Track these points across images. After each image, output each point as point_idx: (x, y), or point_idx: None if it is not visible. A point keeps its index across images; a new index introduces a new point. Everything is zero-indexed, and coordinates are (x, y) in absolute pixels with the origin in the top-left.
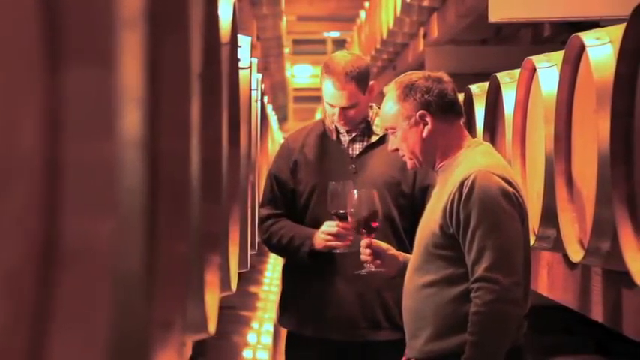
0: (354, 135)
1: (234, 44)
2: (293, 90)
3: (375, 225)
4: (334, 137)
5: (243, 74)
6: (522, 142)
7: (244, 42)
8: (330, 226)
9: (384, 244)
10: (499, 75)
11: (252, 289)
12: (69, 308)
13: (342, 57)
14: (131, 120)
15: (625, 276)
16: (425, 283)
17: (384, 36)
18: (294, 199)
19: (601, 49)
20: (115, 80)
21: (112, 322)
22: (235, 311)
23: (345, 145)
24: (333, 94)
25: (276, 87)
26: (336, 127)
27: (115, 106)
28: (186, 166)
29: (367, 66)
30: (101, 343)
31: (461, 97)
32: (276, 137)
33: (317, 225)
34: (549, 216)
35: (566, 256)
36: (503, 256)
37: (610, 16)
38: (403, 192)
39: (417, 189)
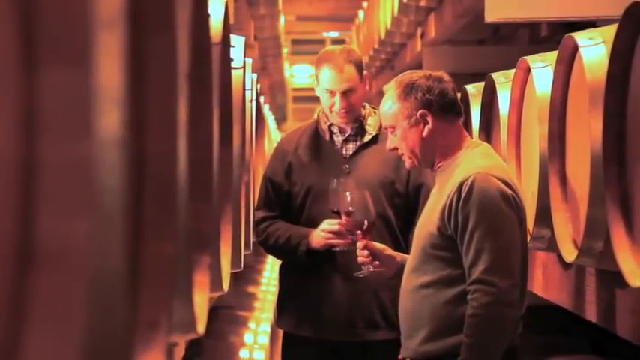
0: (347, 135)
1: (226, 44)
2: (292, 90)
3: (369, 227)
4: (327, 138)
5: (236, 74)
6: (517, 142)
7: (237, 42)
8: (330, 224)
9: (380, 245)
10: (494, 75)
11: (250, 289)
12: (44, 308)
13: (334, 47)
14: (110, 120)
15: (618, 276)
16: (422, 284)
17: (382, 36)
18: (289, 200)
19: (594, 49)
20: (92, 80)
21: (89, 323)
22: (233, 311)
23: (339, 146)
24: (332, 78)
25: (274, 87)
26: (329, 127)
27: (92, 106)
28: (173, 166)
29: (360, 55)
30: (77, 343)
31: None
32: (274, 137)
33: (313, 226)
34: (544, 216)
35: (560, 256)
36: (501, 258)
37: (607, 16)
38: (398, 191)
39: (410, 187)
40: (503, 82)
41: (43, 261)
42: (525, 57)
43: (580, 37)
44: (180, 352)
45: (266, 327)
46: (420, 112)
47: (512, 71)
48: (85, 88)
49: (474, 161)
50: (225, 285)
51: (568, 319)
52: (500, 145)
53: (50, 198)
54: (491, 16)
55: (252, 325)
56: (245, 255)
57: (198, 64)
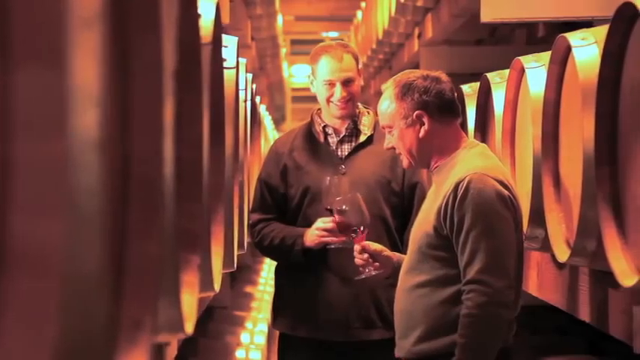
0: (341, 136)
1: (217, 44)
2: (291, 90)
3: (364, 229)
4: (322, 139)
5: (229, 74)
6: (512, 141)
7: (230, 42)
8: (324, 222)
9: (378, 246)
10: (489, 75)
11: (248, 289)
12: (18, 310)
13: (329, 41)
14: (87, 120)
15: (611, 276)
16: (417, 284)
17: (380, 36)
18: (285, 202)
19: (587, 50)
20: (67, 80)
21: (66, 324)
22: (230, 311)
23: (334, 147)
24: (332, 68)
25: (273, 87)
26: (324, 128)
27: (67, 105)
28: (159, 166)
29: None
30: (51, 344)
31: None
32: (271, 138)
33: (310, 227)
34: (538, 216)
35: (554, 257)
36: (496, 259)
37: (603, 17)
38: (394, 190)
39: (405, 186)
40: (499, 82)
41: (17, 262)
42: (519, 57)
43: (573, 38)
44: (172, 351)
45: (263, 327)
46: (416, 113)
47: (507, 71)
48: (60, 87)
49: (470, 161)
50: (217, 285)
51: (564, 319)
52: (495, 145)
53: (24, 198)
54: (487, 16)
55: (249, 325)
56: (240, 255)
57: (187, 63)
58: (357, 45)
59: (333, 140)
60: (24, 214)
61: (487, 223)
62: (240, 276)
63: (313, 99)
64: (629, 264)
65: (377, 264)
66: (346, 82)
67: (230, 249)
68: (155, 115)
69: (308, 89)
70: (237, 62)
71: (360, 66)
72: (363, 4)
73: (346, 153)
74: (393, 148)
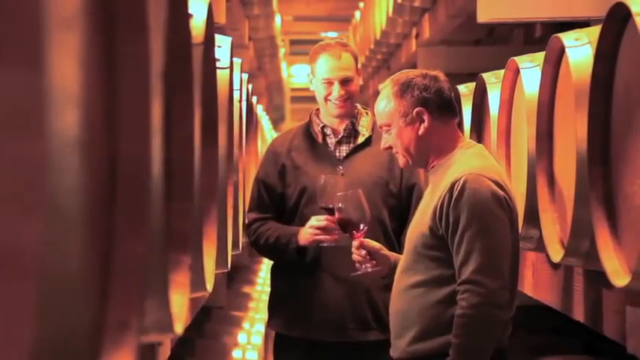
0: (340, 137)
1: (209, 44)
2: (291, 90)
3: (364, 226)
4: (320, 140)
5: (222, 74)
6: (507, 142)
7: (224, 42)
8: (318, 220)
9: (376, 244)
10: (485, 75)
11: (246, 289)
12: None
13: (328, 40)
14: (66, 120)
15: (605, 276)
16: (413, 284)
17: (378, 36)
18: (282, 202)
19: (580, 50)
20: (45, 80)
21: (43, 324)
22: (227, 312)
23: (332, 147)
24: (330, 66)
25: (271, 87)
26: (322, 128)
27: (46, 106)
28: (146, 166)
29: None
30: (27, 345)
31: None
32: (268, 138)
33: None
34: (532, 216)
35: (549, 257)
36: (491, 259)
37: (600, 17)
38: (391, 192)
39: (403, 188)
40: (494, 82)
41: None
42: (514, 57)
43: (566, 38)
44: (165, 351)
45: (260, 327)
46: (416, 110)
47: (503, 71)
48: (38, 88)
49: (466, 161)
50: (209, 285)
51: (561, 319)
52: (490, 146)
53: (1, 199)
54: (483, 16)
55: (246, 325)
56: (237, 255)
57: (177, 64)
58: (356, 45)
59: (331, 141)
60: (1, 215)
61: (482, 224)
62: (238, 276)
63: (313, 99)
64: (621, 264)
65: (374, 262)
66: (344, 81)
67: (223, 249)
68: (143, 116)
69: (307, 89)
70: (231, 62)
71: (360, 65)
72: (361, 5)
73: (344, 154)
74: (390, 148)
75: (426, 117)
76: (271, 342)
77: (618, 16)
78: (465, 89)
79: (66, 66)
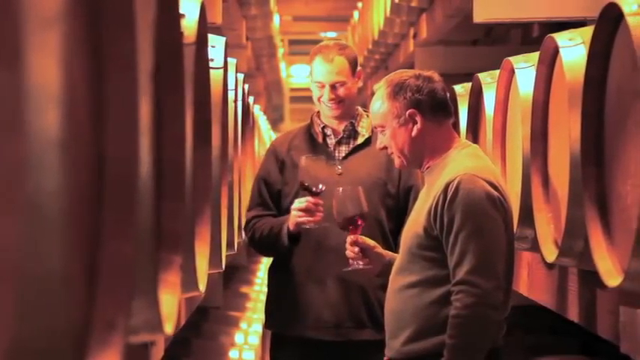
0: (340, 137)
1: (201, 44)
2: (290, 90)
3: (361, 222)
4: (320, 140)
5: (215, 74)
6: (502, 142)
7: (218, 42)
8: (299, 202)
9: (371, 242)
10: (481, 75)
11: (243, 289)
12: None
13: (329, 41)
14: (46, 119)
15: (599, 276)
16: (407, 284)
17: (376, 36)
18: (280, 199)
19: (574, 50)
20: (24, 80)
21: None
22: (224, 312)
23: (332, 148)
24: (322, 70)
25: (270, 87)
26: (322, 129)
27: (25, 105)
28: (134, 166)
29: (354, 50)
30: (4, 344)
31: None
32: (265, 138)
33: (301, 227)
34: (527, 216)
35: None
36: (485, 260)
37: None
38: (389, 192)
39: (401, 189)
40: (490, 82)
41: None
42: (509, 58)
43: (560, 38)
44: (159, 352)
45: (257, 327)
46: (408, 111)
47: (498, 72)
48: (17, 87)
49: (461, 162)
50: (202, 285)
51: (557, 319)
52: (486, 146)
53: None
54: (479, 16)
55: (243, 325)
56: (235, 255)
57: (168, 63)
58: (355, 45)
59: (331, 141)
60: None
61: (476, 224)
62: (235, 276)
63: (312, 99)
64: (614, 264)
65: (366, 259)
66: (334, 85)
67: (217, 249)
68: (130, 115)
69: (307, 89)
70: (226, 62)
71: (358, 68)
72: (359, 5)
73: (343, 154)
74: (386, 149)
75: (418, 118)
76: (269, 342)
77: (611, 16)
78: (462, 89)
79: (46, 65)
